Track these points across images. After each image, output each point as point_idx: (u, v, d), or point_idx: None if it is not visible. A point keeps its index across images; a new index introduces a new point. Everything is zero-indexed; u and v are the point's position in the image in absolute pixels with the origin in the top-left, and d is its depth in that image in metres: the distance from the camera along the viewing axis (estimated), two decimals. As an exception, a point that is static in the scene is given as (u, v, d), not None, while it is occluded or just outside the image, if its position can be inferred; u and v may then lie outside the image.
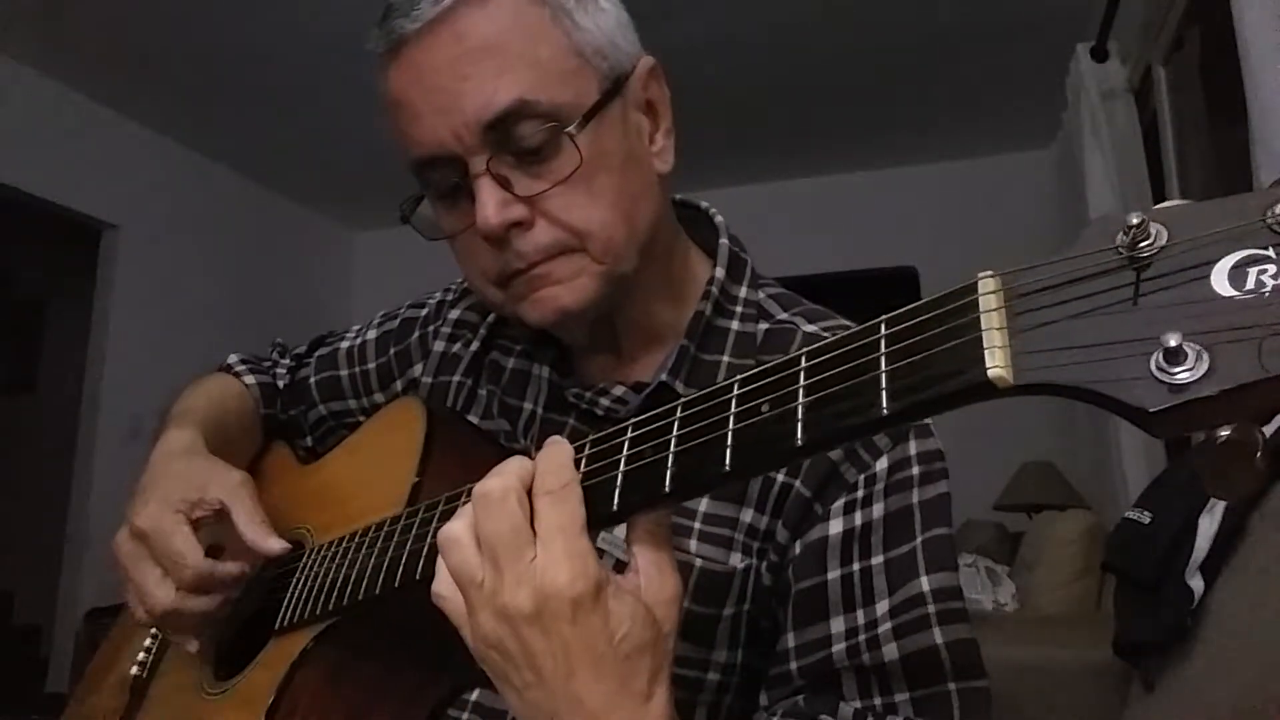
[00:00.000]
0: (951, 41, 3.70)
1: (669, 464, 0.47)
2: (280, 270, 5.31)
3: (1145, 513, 1.54)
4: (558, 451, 0.51)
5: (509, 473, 0.50)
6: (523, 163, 0.65)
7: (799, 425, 0.41)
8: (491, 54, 0.63)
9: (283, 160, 4.85)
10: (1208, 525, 1.32)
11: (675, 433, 0.47)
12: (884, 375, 0.38)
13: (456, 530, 0.50)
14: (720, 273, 0.75)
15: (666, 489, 0.47)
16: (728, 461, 0.44)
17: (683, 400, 0.49)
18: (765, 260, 0.81)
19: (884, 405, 0.37)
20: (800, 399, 0.41)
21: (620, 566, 0.52)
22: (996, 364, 0.34)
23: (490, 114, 0.63)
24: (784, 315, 0.76)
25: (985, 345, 0.34)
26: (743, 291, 0.76)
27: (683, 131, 0.75)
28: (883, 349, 0.39)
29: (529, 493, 0.49)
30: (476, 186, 0.64)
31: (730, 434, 0.44)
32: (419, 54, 0.65)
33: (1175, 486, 1.55)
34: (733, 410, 0.45)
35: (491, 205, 0.64)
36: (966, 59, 3.85)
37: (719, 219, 0.80)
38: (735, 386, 0.46)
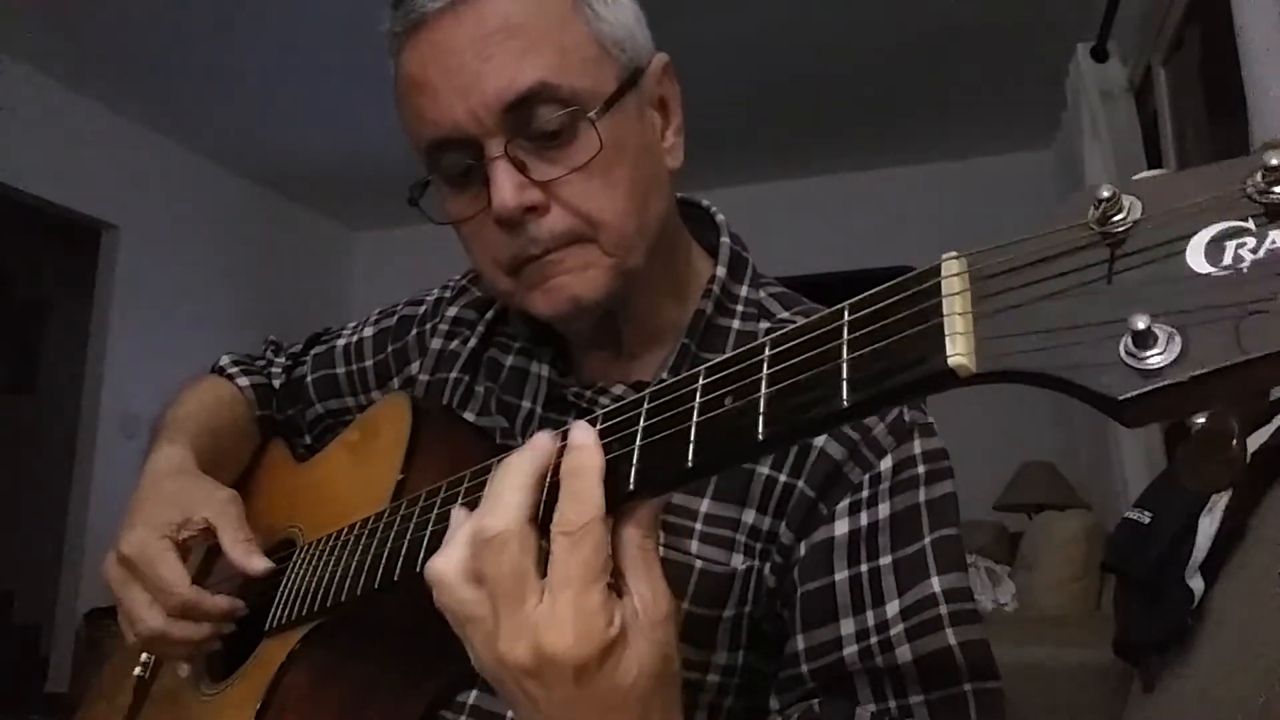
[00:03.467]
0: (951, 41, 3.68)
1: (633, 460, 0.45)
2: (280, 270, 5.30)
3: (1145, 513, 1.53)
4: (585, 471, 0.45)
5: (510, 509, 0.45)
6: (540, 147, 0.64)
7: (760, 419, 0.39)
8: (514, 35, 0.63)
9: (283, 160, 4.84)
10: (1208, 525, 1.30)
11: (640, 426, 0.46)
12: (845, 365, 0.36)
13: (440, 568, 0.47)
14: (722, 271, 0.75)
15: (631, 486, 0.45)
16: (690, 457, 0.42)
17: (649, 392, 0.47)
18: (766, 259, 0.80)
19: (844, 396, 0.35)
20: (763, 390, 0.39)
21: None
22: (958, 351, 0.32)
23: (512, 95, 0.62)
24: (785, 314, 0.75)
25: (947, 331, 0.32)
26: (744, 290, 0.76)
27: (684, 130, 0.74)
28: (845, 336, 0.37)
29: (545, 515, 0.46)
30: (493, 169, 0.63)
31: (693, 428, 0.42)
32: (439, 34, 0.64)
33: (1175, 486, 1.53)
34: (697, 402, 0.43)
35: (509, 188, 0.63)
36: (966, 59, 3.82)
37: (720, 217, 0.80)
38: (700, 378, 0.44)
